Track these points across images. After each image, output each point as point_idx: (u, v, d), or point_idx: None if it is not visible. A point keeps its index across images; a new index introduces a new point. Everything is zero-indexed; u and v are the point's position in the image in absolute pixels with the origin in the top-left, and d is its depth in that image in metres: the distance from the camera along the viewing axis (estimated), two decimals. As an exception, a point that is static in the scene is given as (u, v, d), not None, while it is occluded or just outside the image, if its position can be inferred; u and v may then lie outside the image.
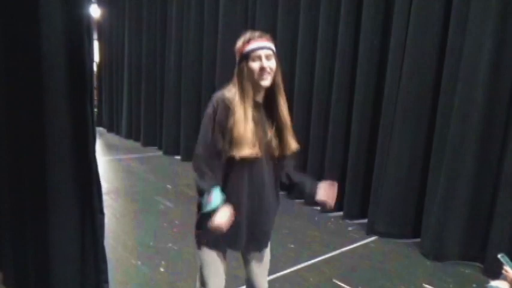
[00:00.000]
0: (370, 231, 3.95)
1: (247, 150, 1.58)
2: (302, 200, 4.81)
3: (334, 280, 2.98)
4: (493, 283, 1.77)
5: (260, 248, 1.84)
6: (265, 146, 1.68)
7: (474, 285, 3.04)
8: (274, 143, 1.70)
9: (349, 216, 4.32)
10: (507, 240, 3.04)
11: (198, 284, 1.82)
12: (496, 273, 1.90)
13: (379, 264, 3.33)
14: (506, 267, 1.71)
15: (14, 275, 2.35)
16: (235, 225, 1.64)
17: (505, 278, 1.72)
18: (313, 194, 1.81)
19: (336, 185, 1.80)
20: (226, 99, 1.64)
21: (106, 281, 2.33)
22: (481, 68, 3.19)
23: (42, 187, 2.04)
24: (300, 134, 5.06)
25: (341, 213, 4.41)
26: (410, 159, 3.75)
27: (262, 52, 1.61)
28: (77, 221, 2.12)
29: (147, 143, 8.25)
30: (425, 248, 3.53)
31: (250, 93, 1.63)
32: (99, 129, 10.07)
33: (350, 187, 4.29)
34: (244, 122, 1.59)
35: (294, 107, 4.85)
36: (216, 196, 1.58)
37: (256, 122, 1.65)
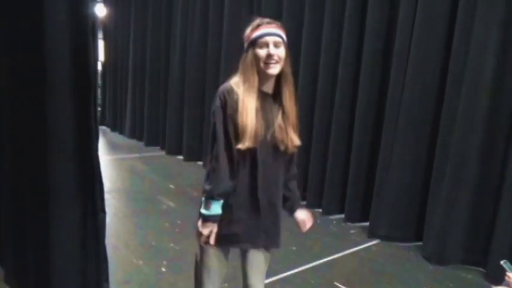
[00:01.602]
0: (371, 234, 3.94)
1: (247, 141, 1.52)
2: (304, 203, 4.80)
3: (336, 283, 2.97)
4: (496, 289, 1.76)
5: (278, 243, 1.79)
6: (270, 138, 1.60)
7: (476, 291, 3.03)
8: (280, 136, 1.61)
9: (351, 219, 4.31)
10: (510, 245, 3.03)
11: (194, 282, 1.78)
12: (498, 279, 1.89)
13: (381, 267, 3.32)
14: (509, 274, 1.70)
15: (15, 272, 2.36)
16: (250, 219, 1.62)
17: (508, 285, 1.71)
18: (293, 211, 1.88)
19: (312, 218, 1.87)
20: (232, 89, 1.57)
21: (106, 280, 2.34)
22: (486, 72, 3.18)
23: (44, 185, 2.04)
24: (302, 136, 5.06)
25: (343, 216, 4.40)
26: (413, 162, 3.74)
27: (270, 39, 1.53)
28: (78, 220, 2.12)
29: (150, 143, 8.27)
30: (427, 251, 3.52)
31: (255, 82, 1.56)
32: (103, 128, 10.10)
33: (352, 190, 4.28)
34: (247, 112, 1.52)
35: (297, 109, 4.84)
36: (215, 208, 1.56)
37: (261, 113, 1.57)
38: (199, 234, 1.62)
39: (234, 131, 1.54)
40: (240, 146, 1.52)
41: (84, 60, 2.03)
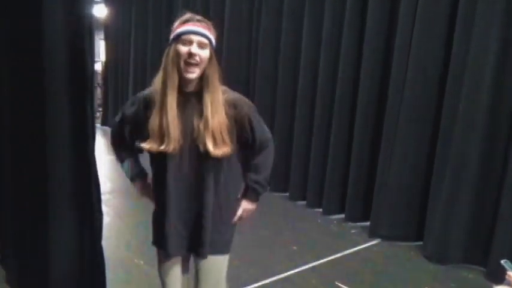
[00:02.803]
0: (372, 234, 3.93)
1: (153, 144, 1.46)
2: (304, 202, 4.80)
3: (337, 283, 2.97)
4: (496, 288, 1.76)
5: (201, 254, 1.63)
6: (191, 143, 1.50)
7: (477, 290, 3.03)
8: (203, 142, 1.48)
9: (351, 218, 4.31)
10: (511, 244, 3.02)
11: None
12: (499, 278, 1.89)
13: (382, 267, 3.32)
14: (510, 273, 1.70)
15: (16, 273, 2.37)
16: (163, 225, 1.57)
17: (509, 284, 1.70)
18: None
19: (252, 209, 1.76)
20: (147, 94, 1.57)
21: (103, 282, 2.33)
22: (486, 72, 3.18)
23: (43, 186, 2.04)
24: (302, 136, 5.06)
25: (343, 215, 4.40)
26: (414, 162, 3.74)
27: (195, 37, 1.44)
28: (75, 221, 2.13)
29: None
30: (428, 251, 3.51)
31: (175, 80, 1.46)
32: (105, 128, 10.10)
33: (353, 189, 4.27)
34: (166, 114, 1.44)
35: (296, 109, 4.84)
36: (125, 170, 1.80)
37: (180, 114, 1.48)
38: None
39: (145, 130, 1.50)
40: (145, 148, 1.50)
41: (81, 61, 2.03)
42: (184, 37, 1.45)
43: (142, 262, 3.09)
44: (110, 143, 1.81)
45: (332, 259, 3.39)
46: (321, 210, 4.58)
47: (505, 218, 3.08)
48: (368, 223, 4.07)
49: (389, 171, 3.83)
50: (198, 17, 1.51)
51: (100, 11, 9.85)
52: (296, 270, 3.12)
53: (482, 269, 3.29)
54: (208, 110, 1.47)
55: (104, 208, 2.38)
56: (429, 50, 3.58)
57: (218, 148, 1.48)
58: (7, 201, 2.35)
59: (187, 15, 1.50)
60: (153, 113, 1.48)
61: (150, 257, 3.18)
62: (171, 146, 1.46)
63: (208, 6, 6.60)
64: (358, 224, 4.25)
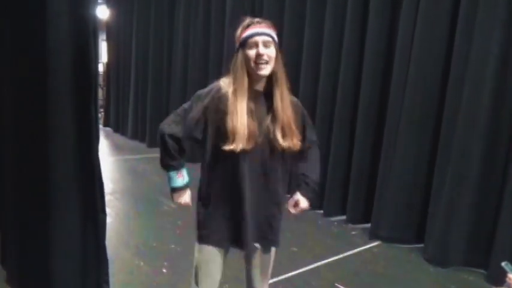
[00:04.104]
0: (373, 236, 3.93)
1: (241, 143, 1.51)
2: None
3: (337, 284, 2.97)
4: (497, 291, 1.76)
5: (269, 246, 1.75)
6: (264, 138, 1.58)
7: (478, 293, 3.02)
8: (274, 134, 1.58)
9: (352, 220, 4.31)
10: (511, 247, 3.02)
11: (192, 282, 1.78)
12: (500, 280, 1.89)
13: (382, 269, 3.31)
14: (510, 275, 1.70)
15: (17, 274, 2.37)
16: (237, 219, 1.61)
17: (509, 286, 1.70)
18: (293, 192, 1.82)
19: (304, 205, 1.79)
20: (221, 89, 1.58)
21: (107, 282, 2.34)
22: (488, 74, 3.18)
23: (45, 187, 2.05)
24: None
25: (344, 217, 4.40)
26: (415, 163, 3.74)
27: (259, 38, 1.52)
28: (78, 221, 2.13)
29: (152, 144, 8.27)
30: (429, 253, 3.51)
31: (245, 82, 1.54)
32: (106, 129, 10.12)
33: (353, 191, 4.27)
34: (237, 115, 1.51)
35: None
36: (185, 175, 1.69)
37: (252, 113, 1.56)
38: (200, 232, 1.72)
39: (222, 133, 1.54)
40: (233, 148, 1.52)
41: (85, 62, 2.04)
42: (250, 40, 1.53)
43: (142, 263, 3.10)
44: (162, 147, 1.66)
45: (332, 261, 3.39)
46: (321, 212, 4.58)
47: (505, 220, 3.07)
48: (369, 225, 4.08)
49: (390, 174, 3.83)
50: (258, 19, 1.59)
51: (102, 12, 9.88)
52: (296, 272, 3.12)
53: (482, 271, 3.29)
54: (278, 103, 1.57)
55: (105, 209, 2.38)
56: (430, 51, 3.58)
57: (287, 140, 1.58)
58: (10, 202, 2.35)
59: (247, 21, 1.59)
60: (230, 115, 1.53)
61: (150, 258, 3.20)
62: (244, 144, 1.52)
63: (210, 8, 6.62)
64: (359, 225, 4.25)
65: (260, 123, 1.58)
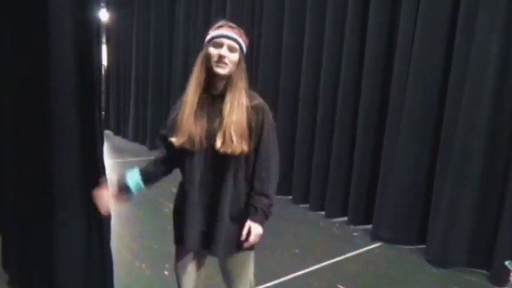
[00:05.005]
0: (374, 237, 3.93)
1: (180, 138, 1.56)
2: (307, 205, 4.80)
3: (339, 286, 2.96)
4: (499, 291, 1.76)
5: (214, 252, 1.66)
6: (211, 140, 1.57)
7: (480, 293, 3.01)
8: (214, 138, 1.56)
9: (354, 221, 4.30)
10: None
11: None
12: (503, 280, 1.88)
13: (384, 270, 3.31)
14: (513, 275, 1.69)
15: (19, 276, 2.37)
16: (183, 219, 1.67)
17: (512, 286, 1.70)
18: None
19: (256, 232, 1.62)
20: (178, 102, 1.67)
21: (111, 284, 2.34)
22: (488, 74, 3.18)
23: (49, 188, 2.05)
24: (305, 139, 5.05)
25: (346, 218, 4.39)
26: (416, 164, 3.73)
27: (226, 41, 1.55)
28: (83, 223, 2.13)
29: (153, 147, 8.28)
30: (431, 254, 3.50)
31: (202, 79, 1.58)
32: (107, 132, 10.12)
33: (355, 192, 4.27)
34: (185, 108, 1.57)
35: (299, 111, 4.85)
36: (130, 178, 1.69)
37: (205, 115, 1.58)
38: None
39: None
40: (174, 140, 1.57)
41: (89, 65, 2.04)
42: (216, 40, 1.56)
43: (144, 266, 3.09)
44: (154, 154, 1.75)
45: (334, 262, 3.39)
46: (323, 213, 4.58)
47: (507, 220, 3.07)
48: (370, 226, 4.07)
49: (391, 174, 3.83)
50: (231, 24, 1.60)
51: (101, 15, 9.90)
52: (298, 273, 3.12)
53: (485, 272, 3.28)
54: (226, 109, 1.56)
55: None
56: (430, 51, 3.59)
57: (225, 146, 1.54)
58: (12, 204, 2.35)
59: (221, 22, 1.61)
60: (181, 109, 1.59)
61: (151, 260, 3.20)
62: (183, 139, 1.55)
63: (210, 11, 6.63)
64: (361, 227, 4.24)
65: (211, 126, 1.59)
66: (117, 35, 9.87)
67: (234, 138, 1.53)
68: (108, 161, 6.86)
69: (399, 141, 3.78)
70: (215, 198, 1.62)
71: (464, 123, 3.29)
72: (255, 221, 1.61)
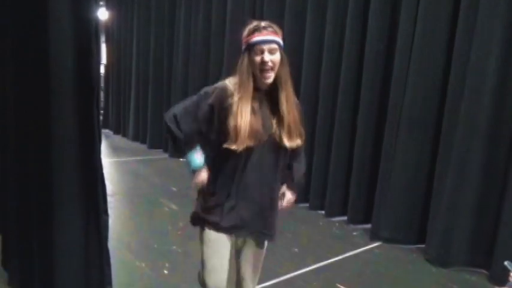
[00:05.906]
0: (374, 236, 3.93)
1: (245, 142, 1.57)
2: (307, 204, 4.80)
3: (338, 285, 2.96)
4: (499, 291, 1.76)
5: (264, 240, 1.82)
6: (267, 137, 1.64)
7: (480, 293, 3.02)
8: (280, 136, 1.66)
9: (353, 221, 4.30)
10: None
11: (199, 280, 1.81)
12: (503, 280, 1.89)
13: (383, 269, 3.31)
14: (512, 275, 1.70)
15: (18, 275, 2.37)
16: (239, 212, 1.68)
17: None
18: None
19: (289, 197, 1.89)
20: (227, 89, 1.63)
21: (110, 283, 2.34)
22: (488, 74, 3.18)
23: (48, 188, 2.05)
24: (305, 138, 5.03)
25: (345, 218, 4.39)
26: (416, 164, 3.73)
27: (265, 46, 1.57)
28: (81, 222, 2.13)
29: (153, 146, 8.28)
30: (431, 254, 3.50)
31: (250, 85, 1.60)
32: (106, 131, 10.13)
33: (355, 192, 4.27)
34: (241, 115, 1.57)
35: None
36: (200, 154, 1.71)
37: (256, 113, 1.62)
38: (200, 219, 1.76)
39: (226, 132, 1.59)
40: (235, 147, 1.57)
41: (87, 64, 2.04)
42: (256, 47, 1.58)
43: (143, 265, 3.09)
44: (175, 132, 1.70)
45: (334, 261, 3.39)
46: (323, 212, 4.58)
47: (507, 220, 3.07)
48: (370, 225, 4.07)
49: (391, 174, 3.83)
50: (264, 24, 1.61)
51: (101, 14, 9.90)
52: (298, 273, 3.12)
53: (485, 271, 3.29)
54: (283, 106, 1.65)
55: (106, 210, 2.38)
56: (431, 52, 3.58)
57: (293, 141, 1.67)
58: (12, 204, 2.35)
59: (254, 24, 1.61)
60: (234, 115, 1.58)
61: (151, 259, 3.20)
62: (247, 143, 1.58)
63: (211, 10, 6.63)
64: (360, 226, 4.24)
65: (264, 123, 1.64)
66: (118, 34, 9.87)
67: (301, 132, 1.71)
68: (109, 160, 6.86)
69: (399, 141, 3.78)
70: (262, 192, 1.70)
71: (464, 123, 3.29)
72: (290, 189, 1.87)
